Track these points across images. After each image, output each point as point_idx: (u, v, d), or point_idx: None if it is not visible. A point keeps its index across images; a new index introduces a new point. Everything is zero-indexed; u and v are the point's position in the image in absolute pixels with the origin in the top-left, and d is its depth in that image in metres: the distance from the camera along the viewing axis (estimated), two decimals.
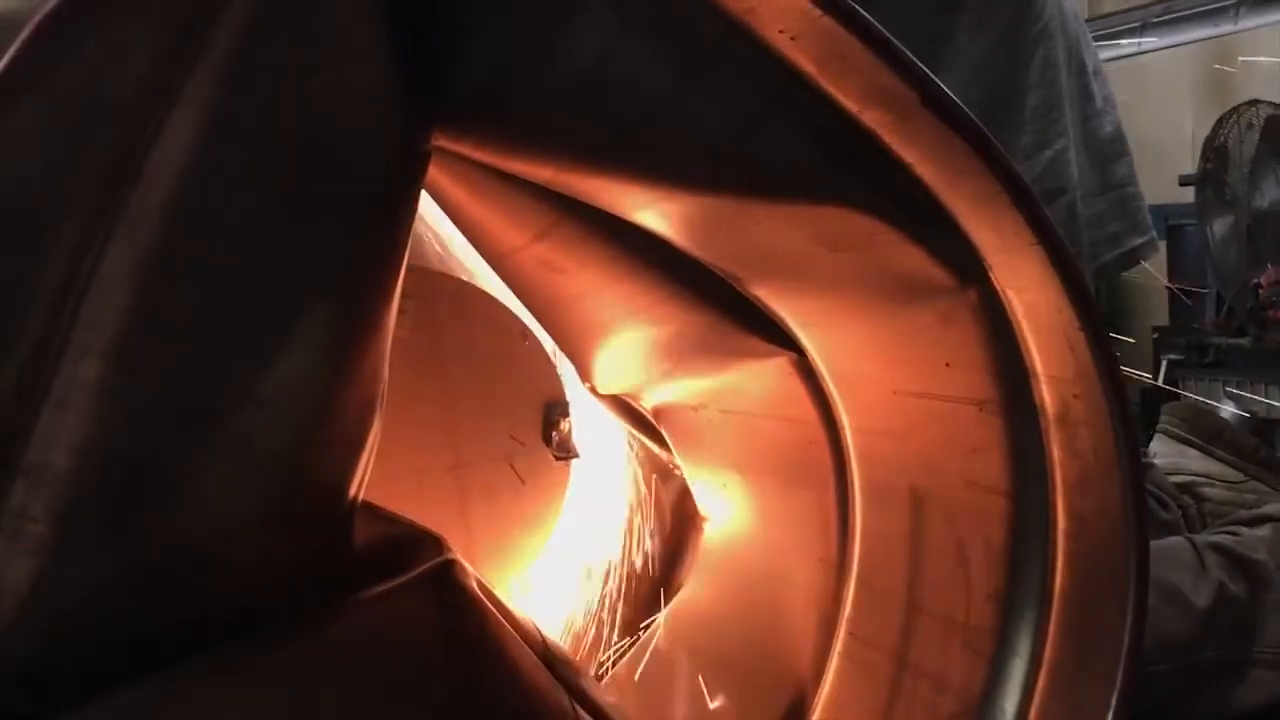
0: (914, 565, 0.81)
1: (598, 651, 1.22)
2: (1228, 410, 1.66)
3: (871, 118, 0.63)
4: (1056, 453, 0.68)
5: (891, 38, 0.59)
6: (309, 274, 0.66)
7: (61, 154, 0.56)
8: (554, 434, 1.24)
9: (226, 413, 0.65)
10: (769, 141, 0.65)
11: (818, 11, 0.58)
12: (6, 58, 0.52)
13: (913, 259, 0.69)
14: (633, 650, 1.17)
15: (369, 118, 0.65)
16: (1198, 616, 1.12)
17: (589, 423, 1.28)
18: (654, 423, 1.17)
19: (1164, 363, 5.14)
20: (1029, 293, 0.65)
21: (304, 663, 0.67)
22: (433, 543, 0.83)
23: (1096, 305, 0.62)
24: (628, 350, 1.04)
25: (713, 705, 1.03)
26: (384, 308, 0.72)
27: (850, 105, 0.63)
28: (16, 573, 0.58)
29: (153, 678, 0.62)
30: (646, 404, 1.15)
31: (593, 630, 1.24)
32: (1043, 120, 1.05)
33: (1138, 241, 1.13)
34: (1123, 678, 0.62)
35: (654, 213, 0.77)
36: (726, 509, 1.14)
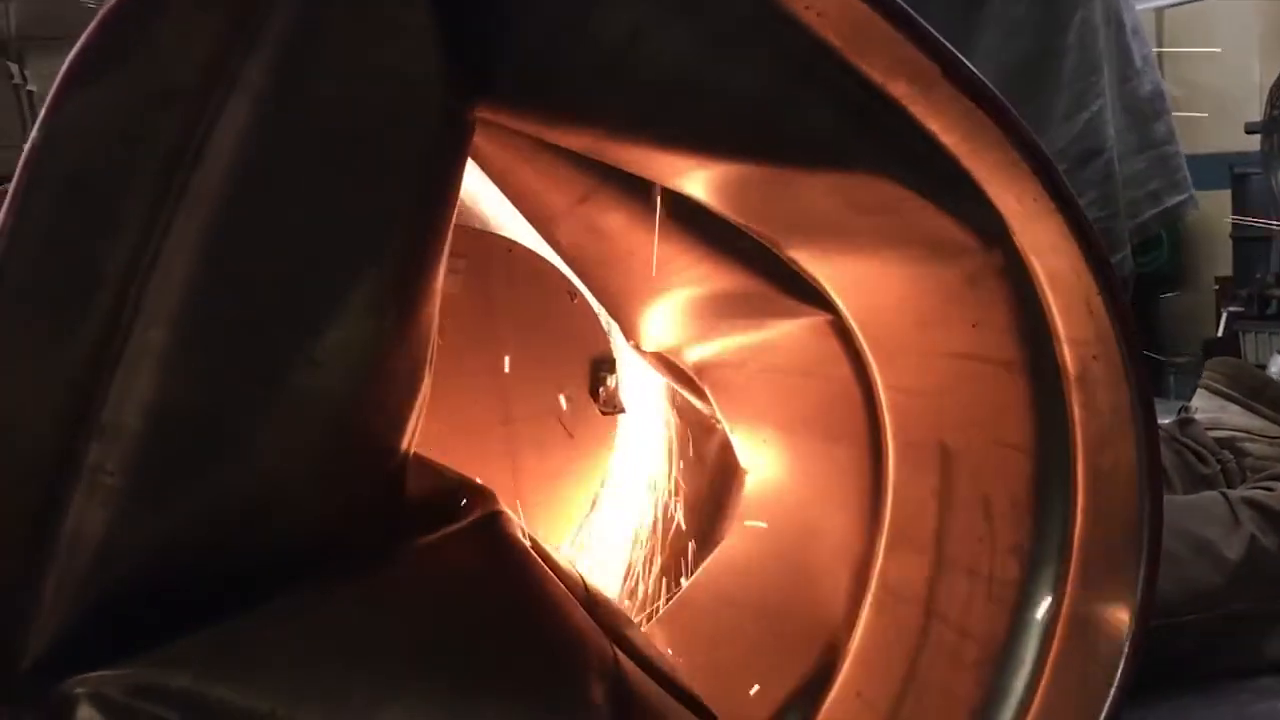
0: (942, 519, 0.83)
1: (642, 602, 1.26)
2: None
3: (897, 89, 0.65)
4: (1077, 411, 0.70)
5: (913, 13, 0.61)
6: (361, 242, 0.69)
7: (129, 135, 0.60)
8: (601, 389, 1.27)
9: (285, 373, 0.69)
10: (799, 113, 0.67)
11: None
12: (79, 44, 0.56)
13: (940, 224, 0.72)
14: (674, 600, 1.21)
15: (418, 95, 0.68)
16: (1229, 569, 1.14)
17: (634, 378, 1.32)
18: (696, 379, 1.20)
19: (1224, 314, 5.06)
20: (1050, 258, 0.67)
21: (357, 609, 0.72)
22: (480, 494, 0.87)
23: (1114, 270, 0.64)
24: (669, 310, 1.07)
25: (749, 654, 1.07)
26: (433, 271, 0.75)
27: (876, 77, 0.65)
28: (93, 522, 0.63)
29: (218, 623, 0.67)
30: (689, 361, 1.17)
31: (638, 581, 1.28)
32: (1081, 82, 1.05)
33: (1177, 199, 1.13)
34: (1136, 627, 0.64)
35: (690, 180, 0.79)
36: (765, 463, 1.17)
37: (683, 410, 1.31)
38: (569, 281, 1.19)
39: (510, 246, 1.19)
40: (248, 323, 0.67)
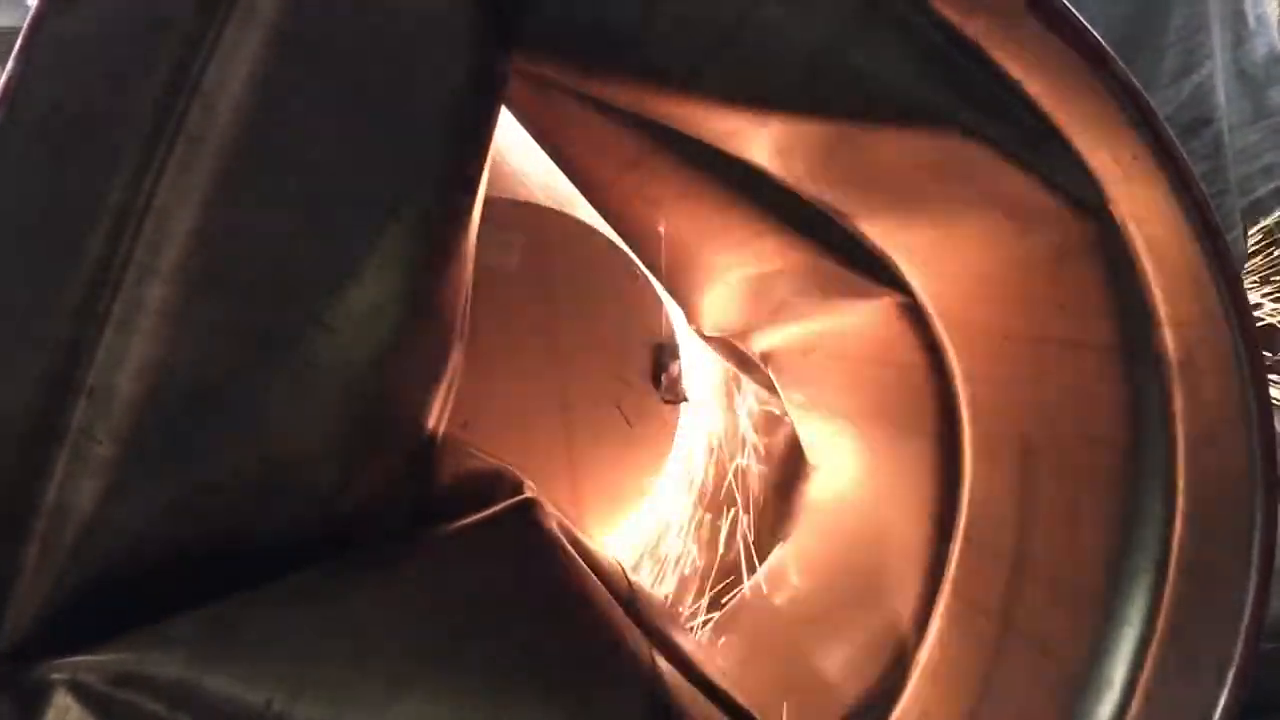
0: (1022, 523, 0.75)
1: (699, 600, 1.20)
2: None
3: (974, 27, 0.57)
4: (1179, 402, 0.61)
5: None
6: (380, 196, 0.63)
7: (117, 72, 0.54)
8: (663, 376, 1.21)
9: (294, 337, 0.63)
10: (864, 57, 0.60)
11: None
12: None
13: (1022, 187, 0.64)
14: (734, 602, 1.14)
15: (442, 34, 0.62)
16: None
17: (698, 366, 1.25)
18: (762, 367, 1.13)
19: None
20: (1150, 225, 0.58)
21: (373, 598, 0.66)
22: (513, 480, 0.81)
23: (1225, 240, 0.55)
24: (732, 290, 1.00)
25: (812, 661, 1.00)
26: (461, 234, 0.69)
27: (952, 14, 0.58)
28: (80, 493, 0.58)
29: (225, 605, 0.61)
30: (755, 348, 1.10)
31: (695, 578, 1.22)
32: (1188, 42, 0.95)
33: None
34: (1242, 653, 0.56)
35: (747, 139, 0.72)
36: (834, 459, 1.09)
37: (748, 401, 1.24)
38: (630, 260, 1.13)
39: (570, 222, 1.13)
40: (251, 279, 0.61)
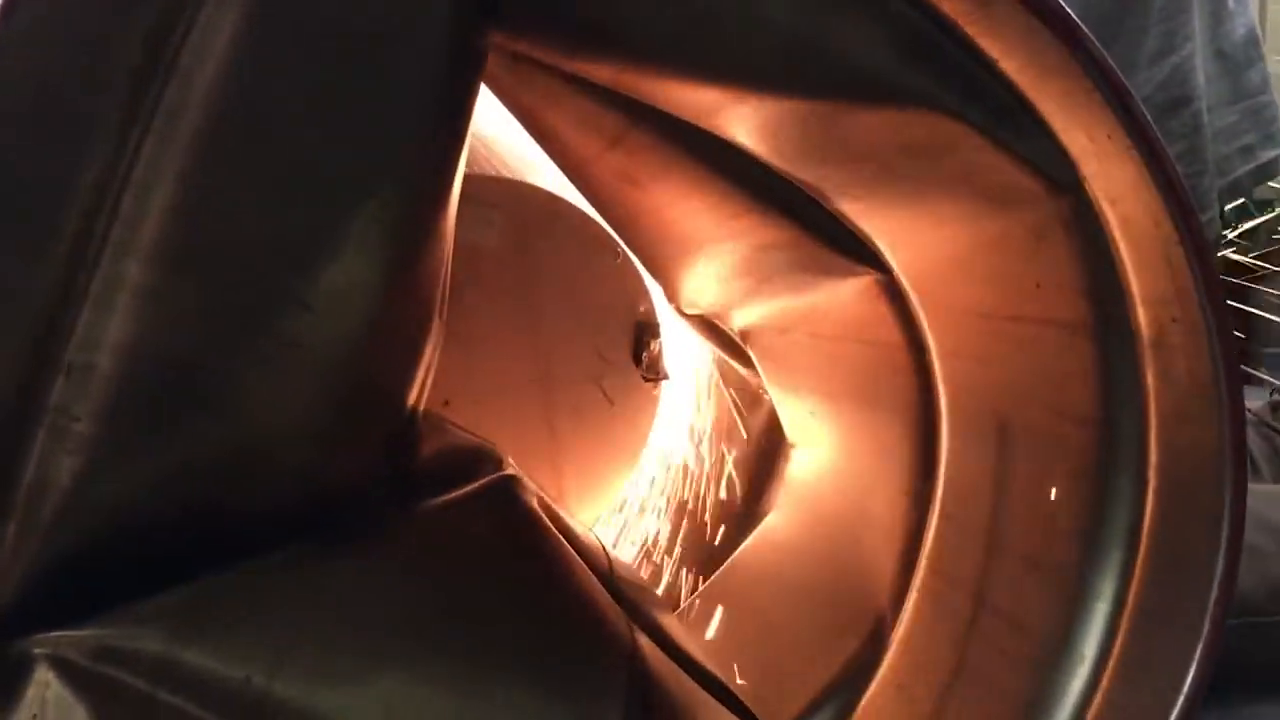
0: (997, 499, 0.76)
1: (678, 578, 1.20)
2: None
3: (951, 6, 0.58)
4: (1151, 380, 0.62)
5: None
6: (358, 172, 0.63)
7: (92, 44, 0.54)
8: (644, 354, 1.21)
9: (273, 315, 0.63)
10: (843, 37, 0.60)
11: None
12: None
13: (999, 166, 0.64)
14: (714, 578, 1.15)
15: (423, 11, 0.62)
16: None
17: (678, 344, 1.25)
18: (741, 344, 1.13)
19: None
20: (1125, 204, 0.59)
21: (351, 574, 0.66)
22: (493, 457, 0.81)
23: (1199, 219, 0.56)
24: (710, 267, 1.00)
25: (791, 636, 1.01)
26: (440, 211, 0.69)
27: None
28: (59, 470, 0.58)
29: (205, 581, 0.61)
30: (734, 325, 1.11)
31: (677, 556, 1.23)
32: (1170, 23, 0.95)
33: (1273, 154, 1.03)
34: (1211, 627, 0.57)
35: (724, 118, 0.72)
36: (813, 436, 1.10)
37: (729, 380, 1.24)
38: (611, 238, 1.13)
39: (550, 198, 1.13)
40: (230, 257, 0.61)
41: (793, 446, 1.14)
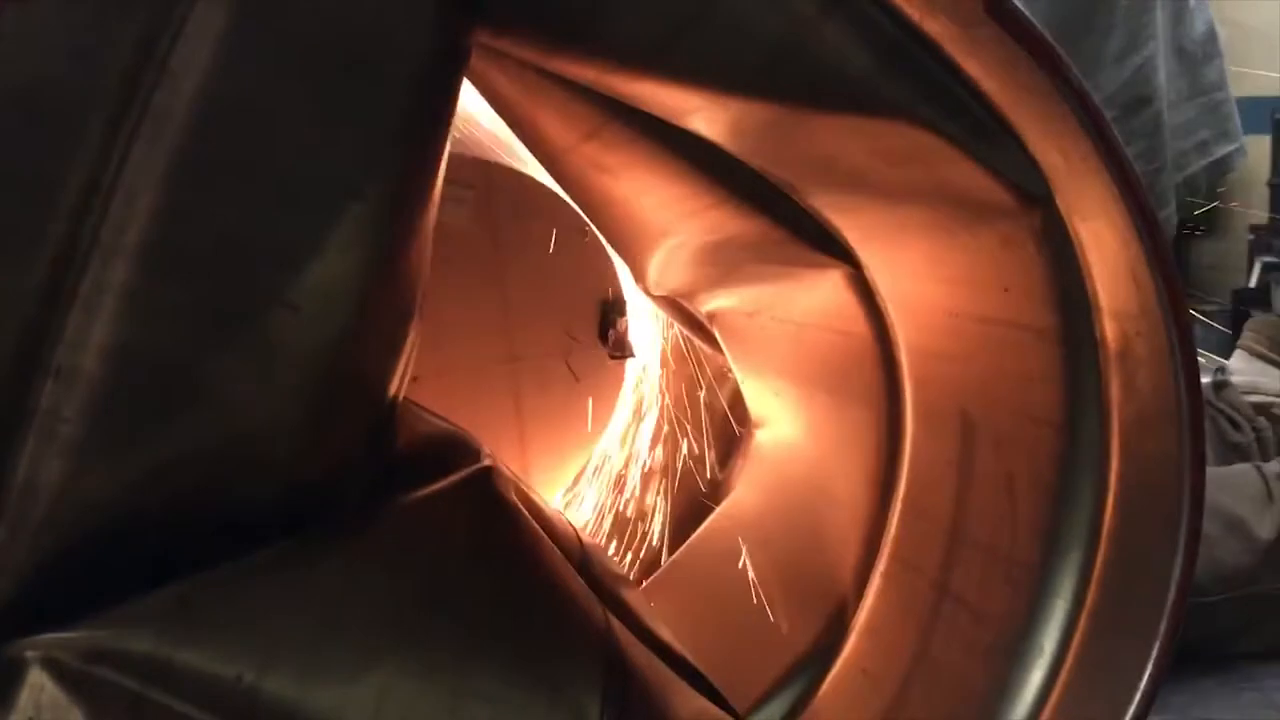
0: (961, 492, 0.78)
1: (642, 551, 1.23)
2: None
3: (933, 26, 0.59)
4: (1115, 390, 0.64)
5: None
6: (342, 174, 0.64)
7: (83, 48, 0.54)
8: (610, 332, 1.22)
9: (258, 316, 0.64)
10: (825, 49, 0.61)
11: None
12: None
13: (974, 178, 0.66)
14: (679, 552, 1.17)
15: (408, 10, 0.62)
16: (1260, 549, 1.09)
17: (644, 322, 1.27)
18: (707, 325, 1.15)
19: (1258, 264, 4.94)
20: (1095, 222, 0.61)
21: (337, 570, 0.67)
22: (471, 446, 0.82)
23: (1165, 238, 0.58)
24: (681, 254, 1.01)
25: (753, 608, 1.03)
26: (421, 209, 0.69)
27: (912, 12, 0.59)
28: (49, 470, 0.59)
29: (193, 580, 0.62)
30: (701, 308, 1.12)
31: (641, 529, 1.25)
32: (1134, 22, 0.97)
33: (1228, 149, 1.05)
34: (1166, 627, 0.59)
35: (705, 119, 0.73)
36: (777, 416, 1.12)
37: (693, 357, 1.26)
38: (581, 219, 1.13)
39: (521, 180, 1.14)
40: (216, 259, 0.62)
41: (757, 425, 1.16)
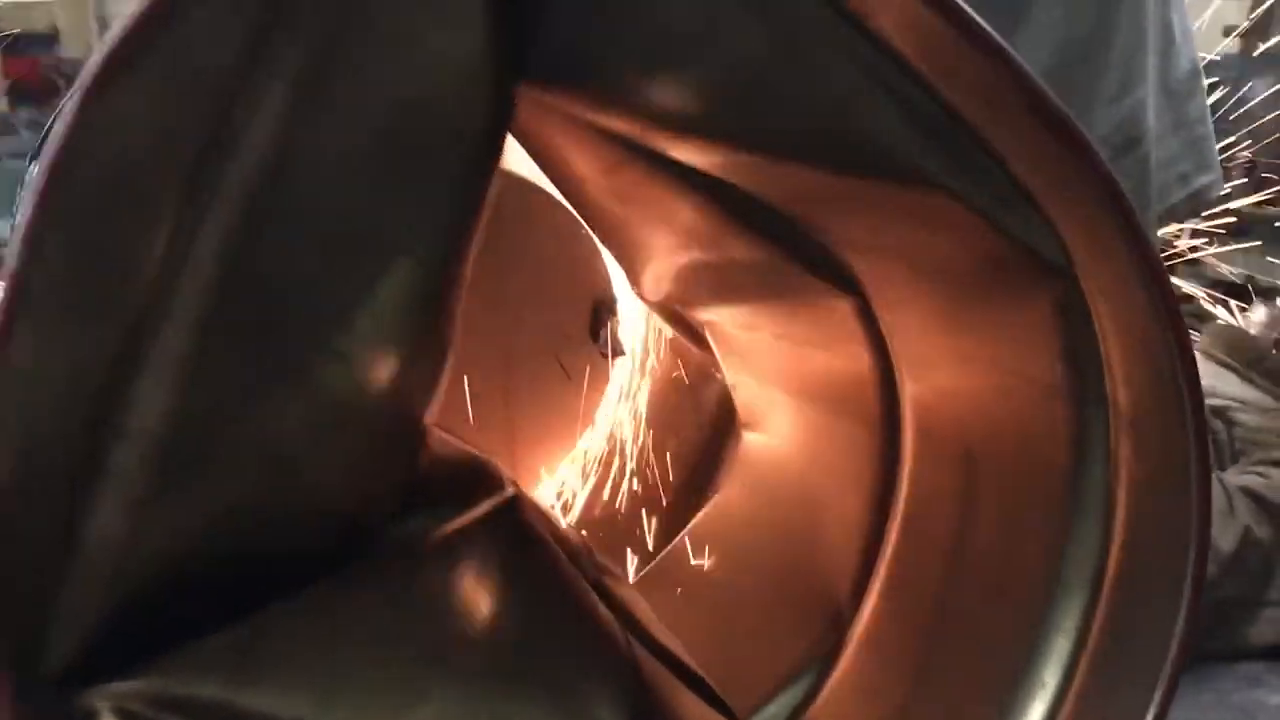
0: (963, 524, 0.83)
1: (626, 548, 1.26)
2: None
3: (972, 112, 0.62)
4: (1124, 450, 0.68)
5: (998, 38, 0.58)
6: (398, 236, 0.66)
7: (162, 128, 0.55)
8: (601, 331, 1.25)
9: (312, 370, 0.66)
10: (867, 122, 0.64)
11: (923, 9, 0.57)
12: (112, 39, 0.51)
13: (994, 242, 0.69)
14: (665, 554, 1.21)
15: (465, 81, 0.64)
16: (1221, 559, 1.16)
17: (633, 319, 1.29)
18: (701, 331, 1.18)
19: (1187, 229, 5.05)
20: (1115, 300, 0.65)
21: (382, 608, 0.70)
22: (491, 472, 0.85)
23: (1183, 319, 0.62)
24: (684, 271, 1.04)
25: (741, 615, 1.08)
26: (465, 259, 0.72)
27: (953, 96, 0.62)
28: (115, 525, 0.61)
29: (250, 624, 0.65)
30: (697, 316, 1.15)
31: (624, 524, 1.28)
32: (1129, 64, 1.01)
33: (1206, 180, 1.10)
34: (1169, 672, 0.64)
35: (732, 171, 0.76)
36: (769, 422, 1.15)
37: (682, 353, 1.29)
38: (575, 219, 1.15)
39: (517, 182, 1.15)
40: (274, 320, 0.64)
41: (745, 426, 1.20)
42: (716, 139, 0.70)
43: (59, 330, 0.55)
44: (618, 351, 1.25)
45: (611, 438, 1.31)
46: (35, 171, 1.04)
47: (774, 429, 1.14)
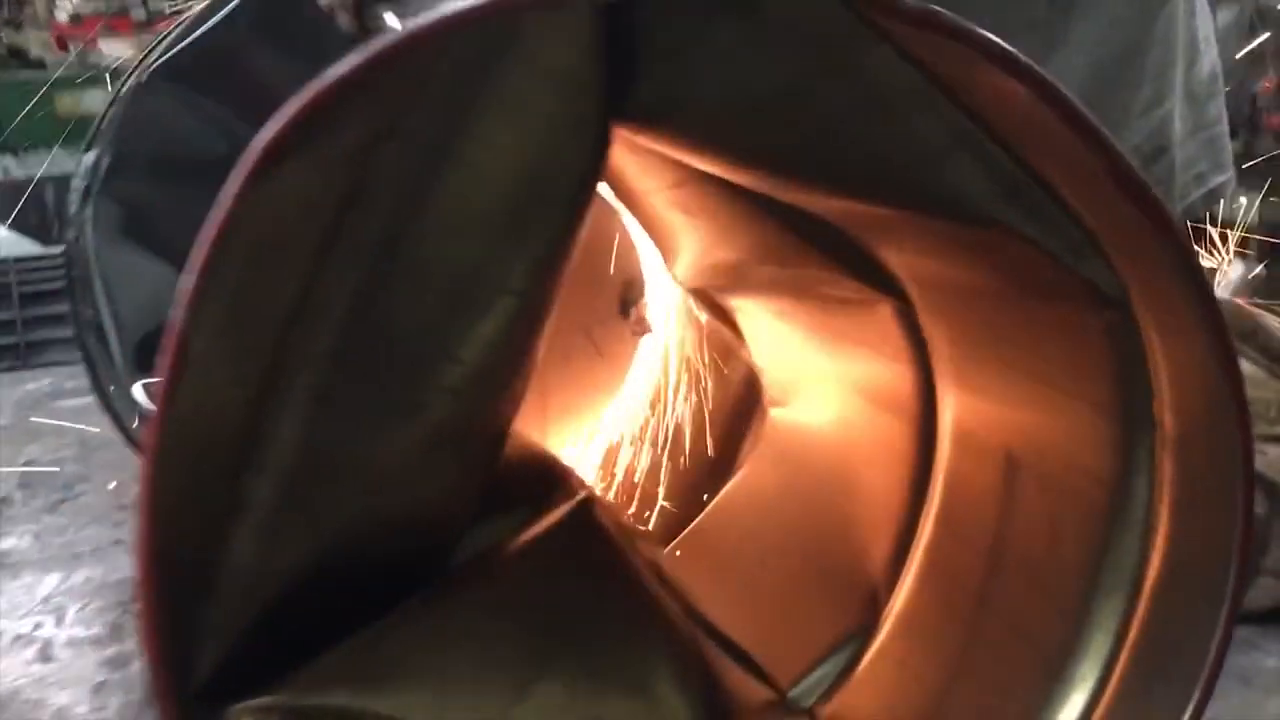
0: (1001, 522, 0.87)
1: (647, 515, 1.31)
2: None
3: (1055, 176, 0.66)
4: (1168, 469, 0.73)
5: (1082, 107, 0.61)
6: (506, 279, 0.70)
7: (308, 197, 0.59)
8: (631, 310, 1.29)
9: (424, 402, 0.71)
10: (949, 175, 0.68)
11: (1021, 89, 0.61)
12: (275, 127, 0.54)
13: (1052, 275, 0.73)
14: (692, 528, 1.25)
15: (574, 137, 0.67)
16: None
17: (662, 296, 1.33)
18: (731, 314, 1.22)
19: None
20: (1168, 335, 0.69)
21: (480, 613, 0.76)
22: (564, 474, 0.90)
23: (1235, 354, 0.67)
24: (725, 265, 1.08)
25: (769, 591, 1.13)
26: (558, 289, 0.76)
27: (1038, 162, 0.67)
28: (250, 550, 0.66)
29: (366, 636, 0.70)
30: (729, 301, 1.19)
31: (647, 493, 1.33)
32: (1160, 79, 1.05)
33: (1221, 179, 1.15)
34: (1205, 681, 0.70)
35: (807, 203, 0.80)
36: (800, 401, 1.20)
37: (709, 331, 1.33)
38: (607, 203, 1.19)
39: None
40: (394, 359, 0.68)
41: (772, 404, 1.25)
42: (796, 180, 0.74)
43: (213, 379, 0.59)
44: (646, 330, 1.29)
45: (639, 411, 1.35)
46: (100, 163, 1.05)
47: (804, 408, 1.19)
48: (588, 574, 0.82)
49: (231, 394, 0.61)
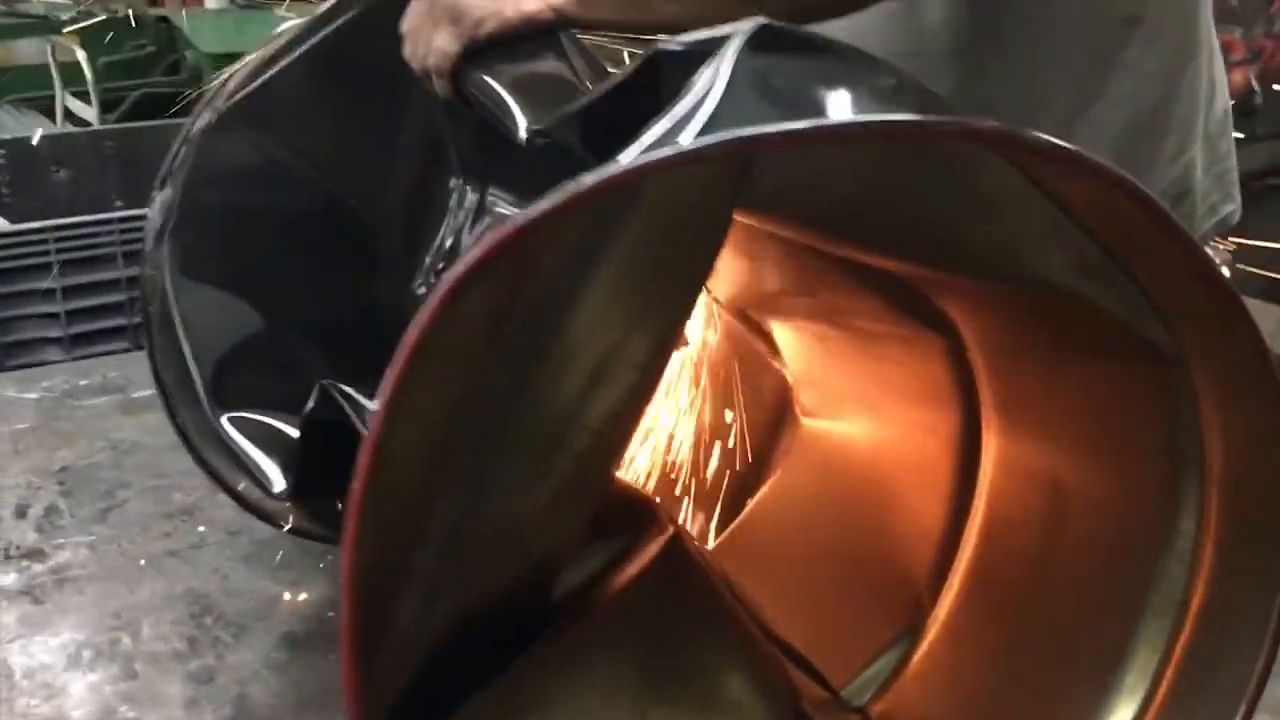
0: (1050, 539, 0.95)
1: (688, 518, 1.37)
2: None
3: (1132, 262, 0.74)
4: (1214, 505, 0.80)
5: (1177, 221, 0.68)
6: (631, 350, 0.77)
7: (489, 310, 0.65)
8: None
9: (555, 468, 0.78)
10: (1037, 264, 0.75)
11: (1118, 195, 0.68)
12: (466, 263, 0.59)
13: (1112, 332, 0.80)
14: (731, 530, 1.32)
15: (704, 227, 0.74)
16: None
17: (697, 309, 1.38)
18: (767, 330, 1.28)
19: None
20: (1221, 390, 0.76)
21: (602, 647, 0.83)
22: (652, 510, 0.97)
23: None
24: (769, 294, 1.14)
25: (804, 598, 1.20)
26: (671, 354, 0.83)
27: (1120, 252, 0.74)
28: (414, 613, 0.72)
29: (506, 674, 0.77)
30: (768, 320, 1.25)
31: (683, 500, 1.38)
32: (1185, 128, 1.12)
33: (1230, 209, 1.23)
34: (1248, 701, 0.78)
35: (880, 265, 0.87)
36: (836, 414, 1.26)
37: (742, 342, 1.38)
38: None
39: None
40: (540, 434, 0.75)
41: (806, 414, 1.31)
42: (877, 255, 0.81)
43: (396, 475, 0.65)
44: (682, 343, 1.35)
45: (673, 421, 1.41)
46: (173, 202, 1.08)
47: (840, 420, 1.26)
48: (684, 604, 0.90)
49: (409, 483, 0.67)
